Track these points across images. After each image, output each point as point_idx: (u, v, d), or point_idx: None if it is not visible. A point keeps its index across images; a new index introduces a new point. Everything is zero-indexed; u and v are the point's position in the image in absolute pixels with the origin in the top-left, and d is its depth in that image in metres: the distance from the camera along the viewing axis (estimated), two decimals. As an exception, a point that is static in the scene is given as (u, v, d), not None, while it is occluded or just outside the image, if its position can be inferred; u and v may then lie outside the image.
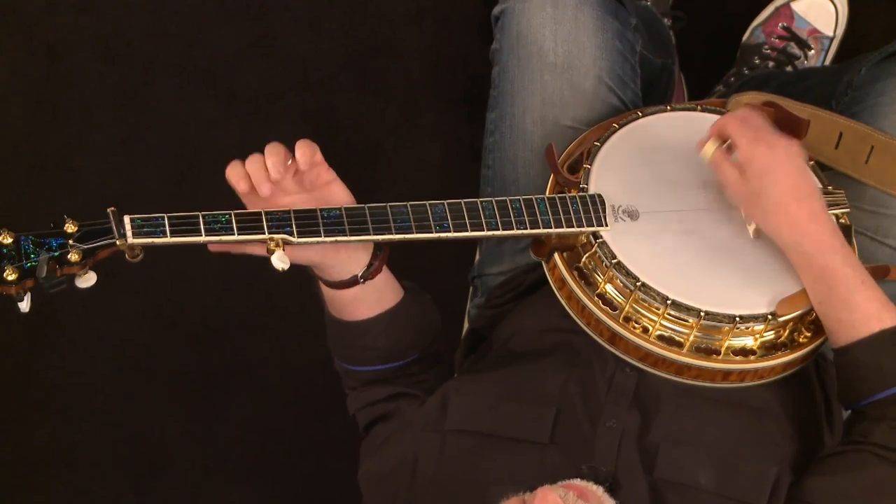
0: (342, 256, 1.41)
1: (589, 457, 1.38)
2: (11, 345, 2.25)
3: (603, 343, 1.41)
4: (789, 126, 1.44)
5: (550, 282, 1.46)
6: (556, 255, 1.43)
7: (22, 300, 1.17)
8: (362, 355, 1.53)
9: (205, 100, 2.31)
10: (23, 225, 2.21)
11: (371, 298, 1.48)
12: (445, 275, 1.96)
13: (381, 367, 1.53)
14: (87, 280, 1.22)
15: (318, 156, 1.37)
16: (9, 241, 1.17)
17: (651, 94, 1.78)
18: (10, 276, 1.15)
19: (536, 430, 1.41)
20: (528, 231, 1.39)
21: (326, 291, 1.47)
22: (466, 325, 1.86)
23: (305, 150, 1.35)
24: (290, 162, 1.35)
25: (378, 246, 1.44)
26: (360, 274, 1.42)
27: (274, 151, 1.33)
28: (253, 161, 1.33)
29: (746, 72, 2.17)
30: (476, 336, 1.70)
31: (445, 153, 2.31)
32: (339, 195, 1.40)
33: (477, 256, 1.85)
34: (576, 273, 1.42)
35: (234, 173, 1.34)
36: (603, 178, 1.46)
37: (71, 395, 2.26)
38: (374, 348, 1.51)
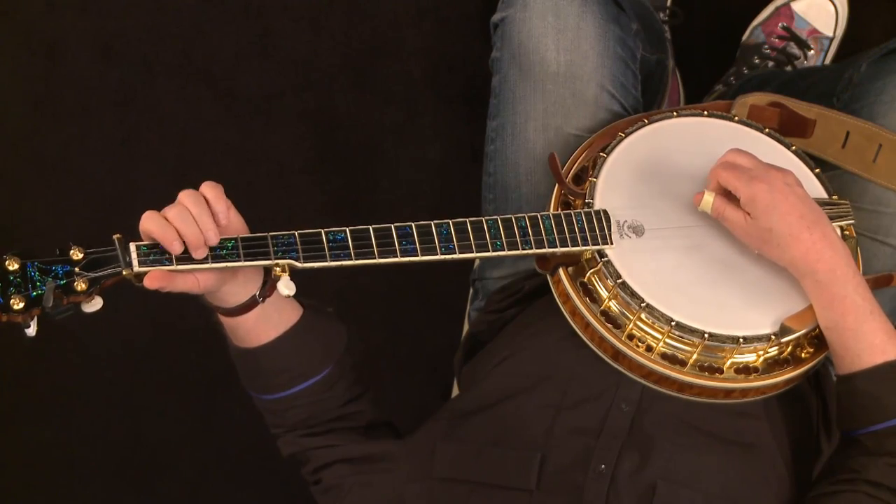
0: (239, 279, 1.36)
1: (579, 503, 1.37)
2: (12, 345, 2.25)
3: (607, 359, 1.41)
4: (796, 126, 1.44)
5: (554, 295, 1.45)
6: (561, 271, 1.42)
7: (28, 327, 1.17)
8: (277, 380, 1.47)
9: (205, 100, 2.31)
10: (25, 230, 2.26)
11: (274, 318, 1.43)
12: (445, 275, 1.96)
13: (300, 386, 1.47)
14: (94, 305, 1.22)
15: (223, 192, 1.31)
16: (15, 266, 1.16)
17: (645, 89, 1.76)
18: (17, 304, 1.14)
19: (522, 476, 1.39)
20: (534, 251, 1.39)
21: (228, 322, 1.41)
22: (466, 326, 1.87)
23: (219, 196, 1.29)
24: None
25: None
26: (257, 293, 1.36)
27: (206, 212, 1.26)
28: (186, 221, 1.25)
29: (746, 71, 2.17)
30: (475, 340, 1.70)
31: (445, 153, 2.31)
32: (236, 223, 1.33)
33: (476, 260, 1.84)
34: (580, 289, 1.42)
35: (164, 233, 1.24)
36: (608, 191, 1.45)
37: (71, 395, 2.27)
38: (288, 368, 1.46)
